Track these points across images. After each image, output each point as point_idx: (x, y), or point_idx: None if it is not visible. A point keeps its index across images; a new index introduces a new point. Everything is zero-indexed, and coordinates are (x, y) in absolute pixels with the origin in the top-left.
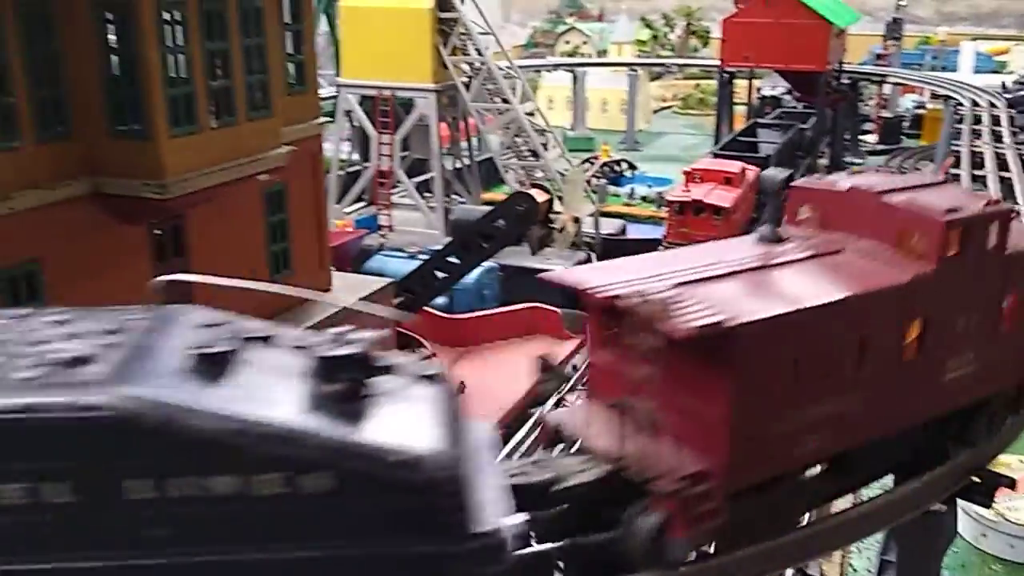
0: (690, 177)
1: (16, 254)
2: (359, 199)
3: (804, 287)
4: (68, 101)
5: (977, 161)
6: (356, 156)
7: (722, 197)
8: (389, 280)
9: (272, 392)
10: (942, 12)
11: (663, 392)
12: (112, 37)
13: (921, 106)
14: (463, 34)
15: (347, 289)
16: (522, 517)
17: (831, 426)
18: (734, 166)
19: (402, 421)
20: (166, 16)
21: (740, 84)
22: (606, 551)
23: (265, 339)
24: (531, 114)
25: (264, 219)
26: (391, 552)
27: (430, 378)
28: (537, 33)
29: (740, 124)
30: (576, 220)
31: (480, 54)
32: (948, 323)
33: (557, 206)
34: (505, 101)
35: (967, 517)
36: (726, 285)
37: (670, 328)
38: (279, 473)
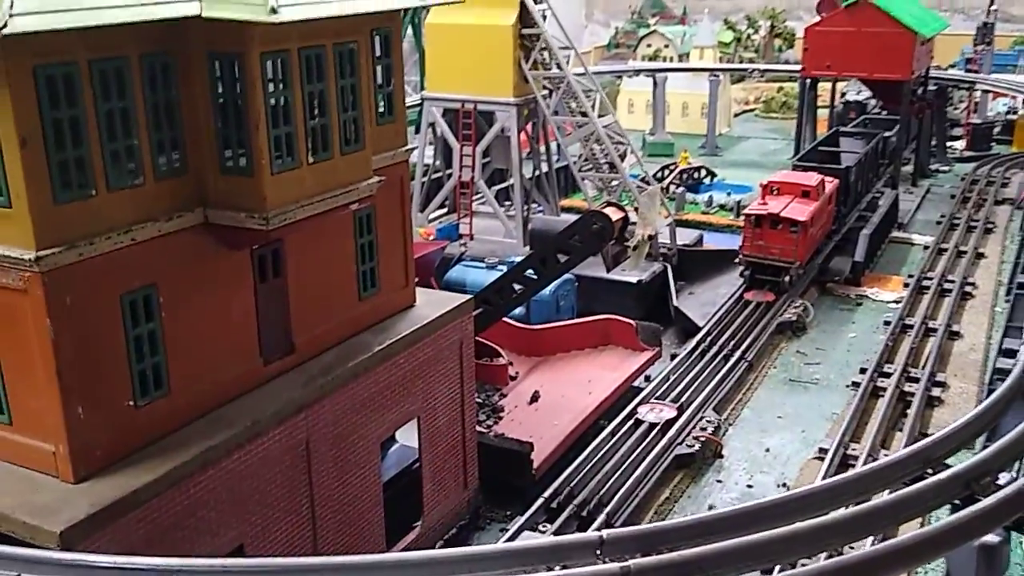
0: (767, 190)
1: (136, 280)
2: (442, 206)
3: None
4: (183, 141)
5: None
6: (439, 162)
7: (799, 211)
8: (469, 297)
9: None
10: None
11: None
12: (222, 83)
13: (1013, 111)
14: (543, 49)
15: (430, 305)
16: None
17: None
18: (812, 179)
19: None
20: (270, 62)
21: (824, 87)
22: None
23: None
24: (608, 126)
25: (354, 241)
26: None
27: None
28: (619, 34)
29: (823, 128)
30: (651, 236)
31: (560, 69)
32: None
33: (633, 218)
34: (583, 114)
35: None
36: None
37: None
38: None
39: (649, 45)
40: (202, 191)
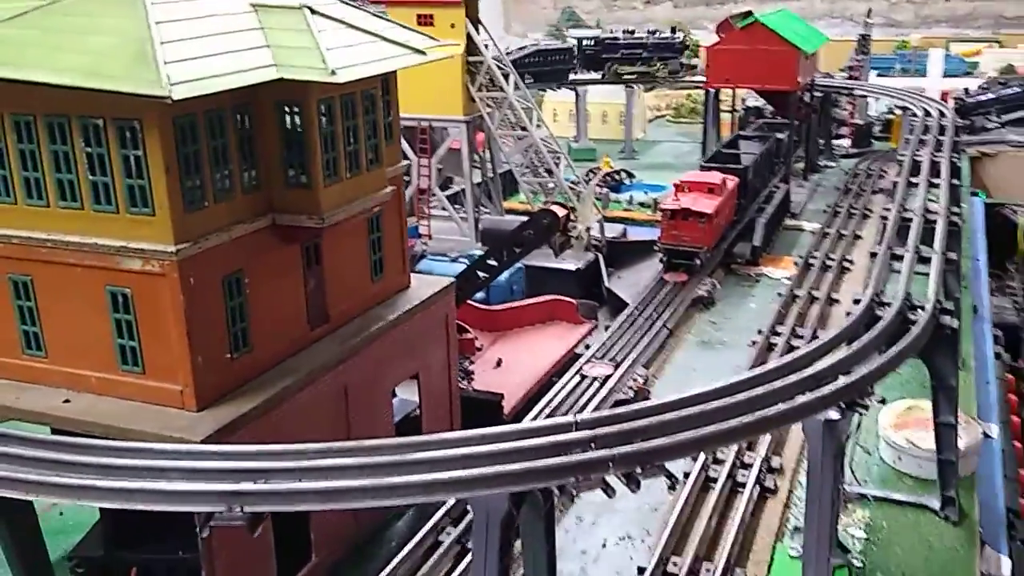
0: (679, 188)
1: (232, 265)
2: None
3: None
4: (260, 165)
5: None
6: None
7: (705, 205)
8: (452, 280)
9: None
10: (920, 15)
11: None
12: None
13: (891, 111)
14: (487, 74)
15: (422, 287)
16: None
17: None
18: (716, 177)
19: None
20: (322, 106)
21: (728, 94)
22: None
23: None
24: (544, 138)
25: (368, 237)
26: None
27: None
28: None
29: (727, 130)
30: (588, 229)
31: (502, 90)
32: None
33: (573, 217)
34: (523, 128)
35: (887, 446)
36: None
37: None
38: None
39: None
40: (270, 201)
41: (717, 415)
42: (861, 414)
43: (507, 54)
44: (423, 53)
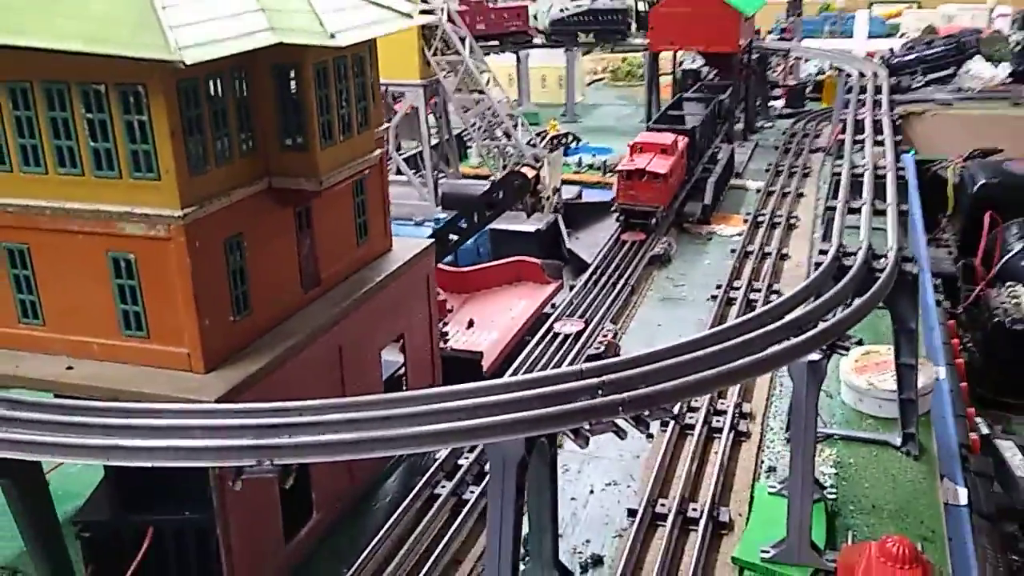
0: (634, 149)
1: (233, 229)
2: None
3: None
4: (257, 129)
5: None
6: None
7: (660, 165)
8: (431, 241)
9: None
10: None
11: None
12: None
13: (822, 72)
14: (442, 38)
15: (403, 249)
16: None
17: None
18: (668, 138)
19: None
20: (317, 70)
21: (665, 56)
22: None
23: None
24: (500, 101)
25: (353, 201)
26: None
27: None
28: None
29: (666, 93)
30: (555, 190)
31: (458, 54)
32: None
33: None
34: (480, 92)
35: (847, 389)
36: None
37: None
38: None
39: None
40: (266, 164)
41: (714, 359)
42: (841, 354)
43: (561, 12)
44: (410, 16)
